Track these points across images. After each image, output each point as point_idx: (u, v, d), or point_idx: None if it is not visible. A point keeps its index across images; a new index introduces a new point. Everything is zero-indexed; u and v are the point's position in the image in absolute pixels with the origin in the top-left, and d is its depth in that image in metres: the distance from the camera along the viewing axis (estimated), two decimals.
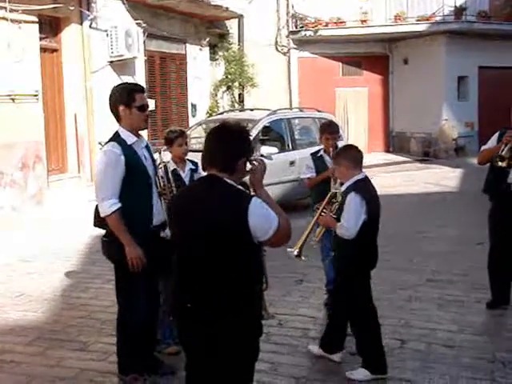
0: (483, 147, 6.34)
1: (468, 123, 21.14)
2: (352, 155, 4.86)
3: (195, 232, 3.13)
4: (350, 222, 4.63)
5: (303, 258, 4.77)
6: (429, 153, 21.18)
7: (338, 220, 4.75)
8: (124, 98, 4.46)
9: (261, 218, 3.07)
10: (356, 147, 5.09)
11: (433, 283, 7.13)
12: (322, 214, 4.88)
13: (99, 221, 4.52)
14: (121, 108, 4.45)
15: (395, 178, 16.56)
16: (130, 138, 4.47)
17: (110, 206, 4.32)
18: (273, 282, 7.17)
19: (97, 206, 4.52)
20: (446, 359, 5.07)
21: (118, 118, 4.51)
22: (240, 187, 3.23)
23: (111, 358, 4.97)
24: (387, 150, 22.51)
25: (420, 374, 4.82)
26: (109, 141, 4.49)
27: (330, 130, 6.44)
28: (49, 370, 4.98)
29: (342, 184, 4.94)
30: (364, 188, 4.75)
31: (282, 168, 11.34)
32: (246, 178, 3.36)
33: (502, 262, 6.18)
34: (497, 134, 6.21)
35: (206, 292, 3.12)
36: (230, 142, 3.19)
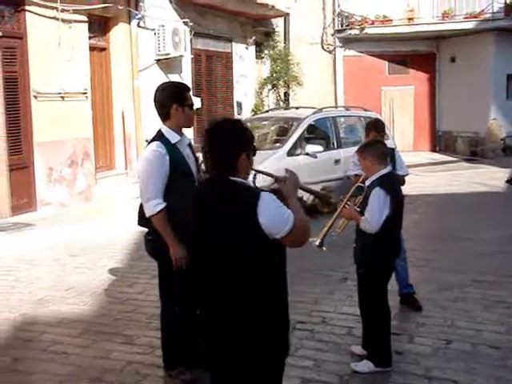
0: None
1: None
2: (378, 150, 4.90)
3: (208, 236, 3.04)
4: (373, 217, 4.68)
5: (324, 248, 4.78)
6: (476, 152, 20.87)
7: (362, 213, 4.77)
8: (177, 96, 4.50)
9: (273, 214, 2.93)
10: (382, 142, 5.16)
11: (479, 284, 7.04)
12: (346, 206, 4.89)
13: (143, 220, 4.58)
14: (174, 106, 4.46)
15: (441, 177, 16.36)
16: (174, 137, 4.49)
17: (155, 206, 4.36)
18: (317, 279, 7.26)
19: (141, 204, 4.57)
20: (491, 360, 5.01)
21: (166, 117, 4.52)
22: (249, 184, 3.11)
23: (157, 351, 5.05)
24: (433, 150, 22.24)
25: (464, 374, 4.78)
26: (152, 140, 4.52)
27: (376, 127, 6.41)
28: (97, 361, 5.09)
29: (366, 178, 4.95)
30: (389, 183, 4.79)
31: (327, 166, 11.33)
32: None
33: None
34: None
35: (223, 298, 3.02)
36: (227, 139, 3.04)
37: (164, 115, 4.54)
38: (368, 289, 4.92)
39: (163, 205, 4.37)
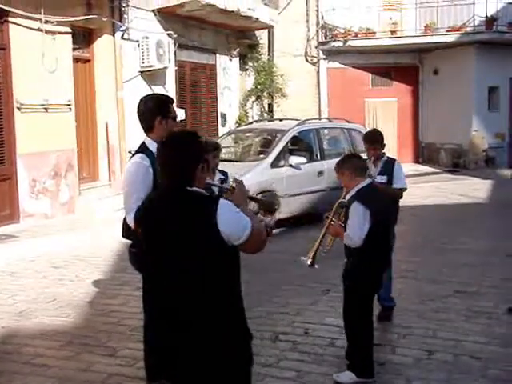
0: None
1: (498, 134, 20.93)
2: (353, 164, 4.93)
3: (164, 247, 3.01)
4: (354, 232, 4.73)
5: (316, 266, 4.81)
6: (458, 164, 21.03)
7: (345, 229, 4.81)
8: (160, 109, 4.49)
9: (231, 220, 2.93)
10: (358, 156, 5.19)
11: (461, 294, 7.09)
12: (332, 223, 4.93)
13: (127, 232, 4.57)
14: (157, 119, 4.46)
15: (425, 188, 16.46)
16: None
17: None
18: (300, 290, 7.28)
19: (125, 217, 4.58)
20: (473, 371, 5.04)
21: (150, 129, 4.51)
22: (205, 192, 3.08)
23: (139, 363, 5.02)
24: (417, 161, 22.40)
25: None
26: (136, 152, 4.51)
27: (368, 139, 6.37)
28: (79, 374, 5.07)
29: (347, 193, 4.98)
30: (367, 196, 4.81)
31: (311, 178, 11.38)
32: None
33: None
34: None
35: (186, 306, 2.99)
36: (182, 151, 3.05)
37: (147, 127, 4.54)
38: (353, 300, 4.92)
39: None
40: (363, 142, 6.51)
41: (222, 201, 2.97)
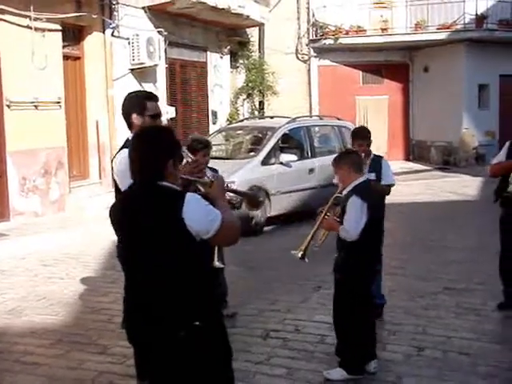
0: (494, 160, 6.49)
1: (488, 132, 21.03)
2: (352, 160, 4.98)
3: (137, 241, 3.03)
4: (351, 225, 4.75)
5: (306, 260, 4.82)
6: (449, 161, 21.12)
7: (341, 223, 4.83)
8: (136, 106, 4.48)
9: (199, 214, 2.93)
10: (356, 152, 5.20)
11: (450, 291, 7.12)
12: (326, 217, 4.95)
13: None
14: (133, 116, 4.46)
15: (415, 186, 16.52)
16: None
17: None
18: (291, 288, 7.29)
19: None
20: (462, 367, 5.07)
21: (130, 126, 4.52)
22: (175, 187, 3.07)
23: (130, 361, 5.01)
24: (407, 159, 22.48)
25: (436, 381, 4.83)
26: (120, 149, 4.50)
27: (358, 136, 6.39)
28: (69, 372, 5.06)
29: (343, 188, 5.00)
30: (364, 191, 4.86)
31: (301, 175, 11.40)
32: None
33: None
34: (507, 145, 6.32)
35: (158, 300, 3.00)
36: (153, 146, 3.06)
37: (128, 124, 4.54)
38: (344, 294, 4.93)
39: None
40: (352, 138, 6.47)
41: (189, 195, 2.96)
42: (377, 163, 6.25)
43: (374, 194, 5.26)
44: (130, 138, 4.52)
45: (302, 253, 4.81)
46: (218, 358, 3.07)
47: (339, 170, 4.99)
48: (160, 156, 3.04)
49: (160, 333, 3.00)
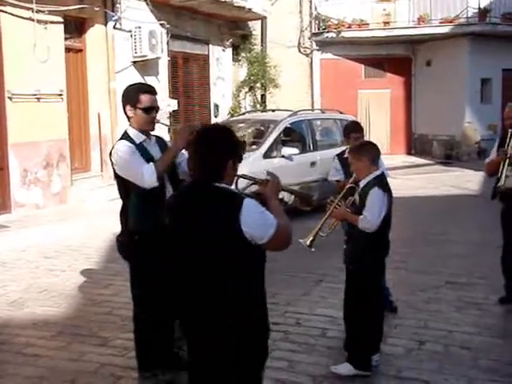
0: (487, 160, 6.53)
1: (491, 126, 20.95)
2: (373, 152, 4.94)
3: (192, 243, 3.03)
4: (373, 215, 4.70)
5: (313, 249, 4.80)
6: (451, 156, 21.08)
7: (355, 213, 4.80)
8: (130, 98, 4.50)
9: (256, 222, 2.94)
10: (375, 144, 5.16)
11: (452, 285, 7.13)
12: (337, 207, 4.92)
13: (125, 223, 4.58)
14: (127, 108, 4.50)
15: (417, 180, 16.50)
16: (138, 138, 4.51)
17: (151, 174, 4.30)
18: (293, 281, 7.29)
19: (121, 210, 4.58)
20: (463, 361, 5.07)
21: (127, 118, 4.57)
22: (233, 190, 3.11)
23: (131, 353, 5.04)
24: (409, 153, 22.44)
25: (437, 375, 4.83)
26: (119, 140, 4.55)
27: (356, 129, 6.40)
28: (70, 363, 5.07)
29: (358, 179, 4.96)
30: (384, 183, 4.87)
31: (303, 169, 11.38)
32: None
33: None
34: (497, 141, 6.37)
35: (207, 306, 3.02)
36: (216, 146, 3.03)
37: (125, 116, 4.58)
38: (357, 287, 4.89)
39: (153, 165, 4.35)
40: (348, 131, 6.42)
41: (246, 201, 2.95)
42: None
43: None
44: (127, 131, 4.55)
45: (309, 241, 4.78)
46: (257, 354, 3.09)
47: (358, 161, 4.90)
48: (220, 157, 3.02)
49: (211, 320, 3.02)
